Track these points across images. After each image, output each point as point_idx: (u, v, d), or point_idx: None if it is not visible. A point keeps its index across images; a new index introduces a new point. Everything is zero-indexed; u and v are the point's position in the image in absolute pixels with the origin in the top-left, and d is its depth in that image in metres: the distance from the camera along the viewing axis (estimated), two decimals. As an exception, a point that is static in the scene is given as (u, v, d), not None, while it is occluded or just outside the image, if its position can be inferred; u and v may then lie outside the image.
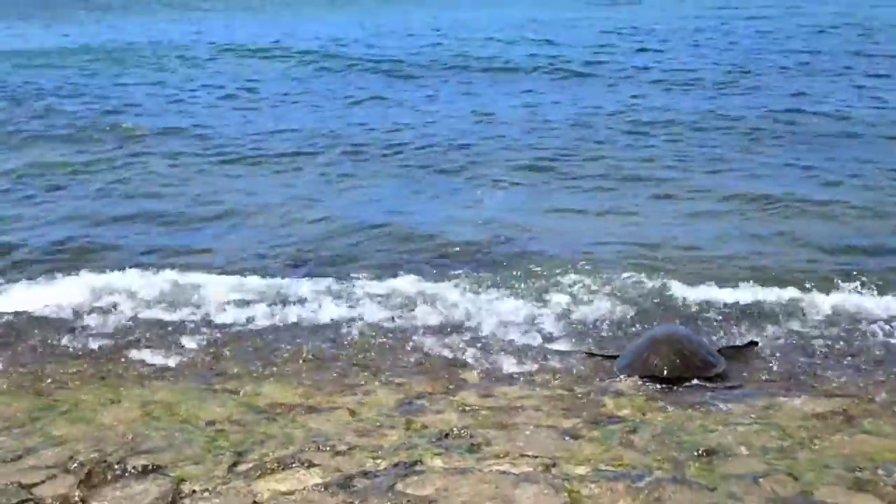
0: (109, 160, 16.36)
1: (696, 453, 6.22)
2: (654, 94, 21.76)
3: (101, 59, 30.02)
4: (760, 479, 5.85)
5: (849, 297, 9.39)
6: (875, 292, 9.49)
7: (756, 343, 8.19)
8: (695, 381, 7.44)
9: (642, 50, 29.47)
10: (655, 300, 9.53)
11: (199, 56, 30.56)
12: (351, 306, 9.56)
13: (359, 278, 10.27)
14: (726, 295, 9.58)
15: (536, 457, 6.20)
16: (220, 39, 34.95)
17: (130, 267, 10.88)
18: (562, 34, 33.72)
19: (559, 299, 9.50)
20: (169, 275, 10.63)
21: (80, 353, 8.62)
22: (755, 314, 9.15)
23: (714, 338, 8.51)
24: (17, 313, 9.69)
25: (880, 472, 5.87)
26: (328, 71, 26.39)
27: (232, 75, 26.24)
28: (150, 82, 25.71)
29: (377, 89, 23.35)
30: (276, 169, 15.40)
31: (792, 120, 18.29)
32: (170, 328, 9.21)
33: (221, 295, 10.03)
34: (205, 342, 8.86)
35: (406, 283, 10.09)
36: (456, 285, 9.93)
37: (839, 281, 9.85)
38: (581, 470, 5.99)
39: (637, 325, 8.86)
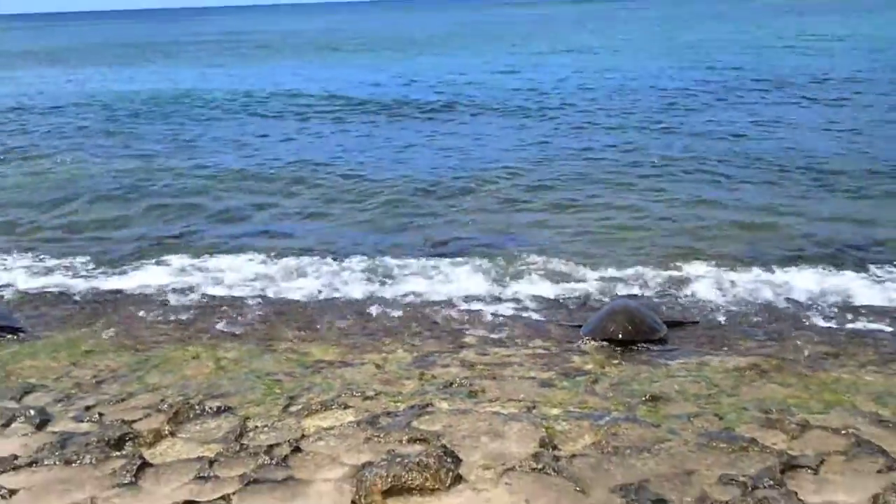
0: (178, 170, 16.39)
1: (643, 398, 6.23)
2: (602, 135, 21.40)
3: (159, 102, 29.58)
4: (693, 419, 5.86)
5: (762, 276, 9.39)
6: (782, 272, 9.50)
7: (697, 322, 8.19)
8: (643, 344, 7.47)
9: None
10: (611, 282, 9.52)
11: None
12: (378, 285, 9.57)
13: (382, 265, 10.27)
14: (667, 275, 9.58)
15: (520, 401, 6.22)
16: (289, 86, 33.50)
17: (204, 254, 10.89)
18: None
19: (537, 282, 9.50)
20: (233, 260, 10.65)
21: (169, 321, 8.63)
22: (690, 290, 9.16)
23: (664, 309, 8.53)
24: (120, 291, 9.73)
25: (785, 413, 5.90)
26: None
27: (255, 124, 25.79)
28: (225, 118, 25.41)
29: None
30: (314, 185, 15.26)
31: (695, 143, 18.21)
32: (236, 302, 9.22)
33: (274, 276, 10.07)
34: (262, 313, 8.86)
35: (419, 269, 10.08)
36: (458, 272, 9.93)
37: (754, 263, 9.84)
38: (555, 411, 6.01)
39: (597, 301, 8.87)
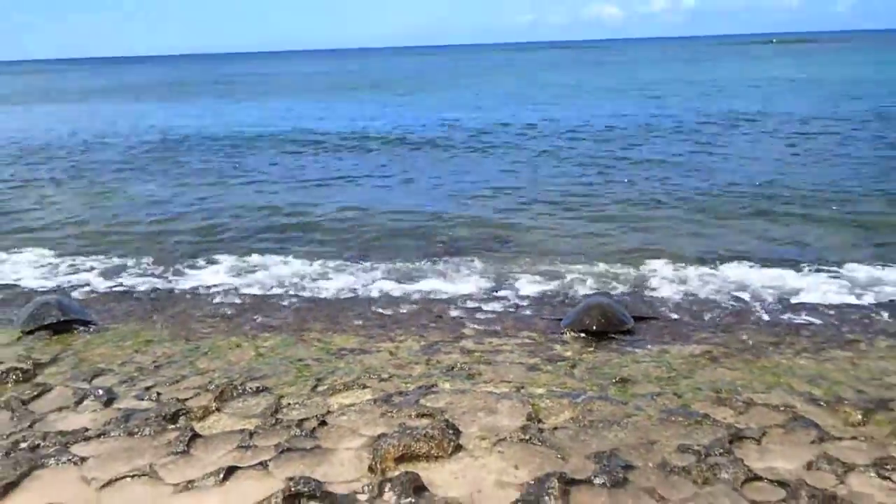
0: (224, 190, 16.44)
1: (614, 380, 6.23)
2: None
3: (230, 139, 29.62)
4: (655, 397, 5.86)
5: (713, 276, 9.37)
6: (730, 272, 9.50)
7: (657, 318, 8.17)
8: (613, 334, 7.45)
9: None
10: (587, 282, 9.52)
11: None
12: (391, 286, 9.54)
13: (395, 269, 10.26)
14: (633, 277, 9.56)
15: (511, 382, 6.22)
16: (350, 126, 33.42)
17: (245, 261, 10.89)
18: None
19: (524, 283, 9.48)
20: (270, 265, 10.65)
21: (215, 315, 8.61)
22: (652, 288, 9.15)
23: (631, 304, 8.51)
24: (174, 290, 9.72)
25: (733, 392, 5.89)
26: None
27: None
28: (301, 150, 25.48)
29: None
30: (335, 209, 15.28)
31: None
32: (272, 300, 9.20)
33: (303, 278, 10.06)
34: (294, 308, 8.84)
35: (426, 272, 10.08)
36: (458, 275, 9.92)
37: (705, 264, 9.83)
38: (540, 391, 6.01)
39: (575, 298, 8.85)
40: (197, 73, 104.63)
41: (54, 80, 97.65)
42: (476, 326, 8.03)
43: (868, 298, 8.60)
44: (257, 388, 6.20)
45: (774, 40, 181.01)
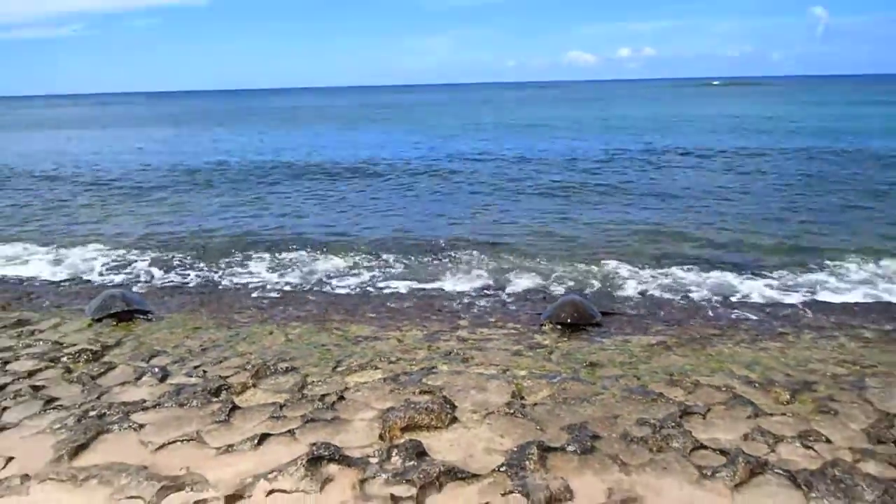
0: (285, 195, 16.47)
1: (584, 364, 6.23)
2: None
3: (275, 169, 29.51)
4: (619, 379, 5.85)
5: (667, 278, 9.39)
6: (682, 274, 9.53)
7: (621, 313, 8.17)
8: (585, 326, 7.45)
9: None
10: (562, 282, 9.54)
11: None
12: (399, 283, 9.57)
13: (402, 270, 10.30)
14: (601, 278, 9.59)
15: (498, 365, 6.20)
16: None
17: (277, 262, 10.92)
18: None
19: (510, 283, 9.52)
20: (298, 256, 10.71)
21: (253, 307, 8.61)
22: (617, 288, 9.17)
23: (601, 301, 8.53)
24: (220, 285, 9.77)
25: (683, 375, 5.88)
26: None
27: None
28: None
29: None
30: (354, 225, 15.29)
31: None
32: (299, 294, 9.22)
33: (327, 272, 10.09)
34: (318, 302, 8.86)
35: (428, 274, 10.12)
36: (456, 276, 9.96)
37: (661, 267, 9.86)
38: (523, 373, 6.00)
39: (552, 296, 8.86)
40: (221, 105, 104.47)
41: (115, 109, 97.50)
42: (470, 319, 8.03)
43: (795, 298, 8.64)
44: (287, 368, 6.20)
45: (716, 83, 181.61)
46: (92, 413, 5.26)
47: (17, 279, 10.35)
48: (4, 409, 5.38)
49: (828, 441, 4.68)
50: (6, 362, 6.44)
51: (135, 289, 9.54)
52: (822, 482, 4.13)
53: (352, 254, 11.36)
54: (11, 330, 7.50)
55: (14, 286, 9.91)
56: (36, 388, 5.79)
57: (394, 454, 4.51)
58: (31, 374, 6.15)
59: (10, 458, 4.60)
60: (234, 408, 5.34)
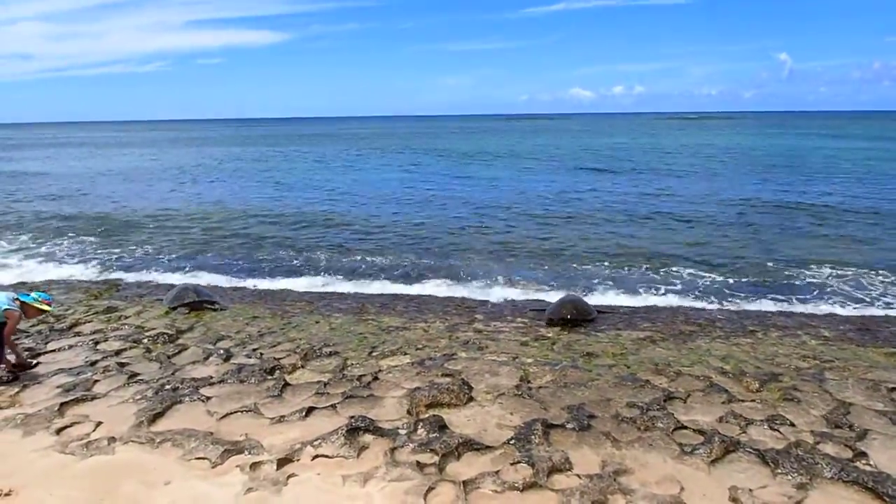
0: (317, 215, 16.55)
1: (582, 354, 6.17)
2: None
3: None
4: (612, 367, 5.79)
5: (651, 282, 9.30)
6: (662, 279, 9.42)
7: (614, 312, 8.01)
8: (583, 322, 7.39)
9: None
10: (563, 286, 9.47)
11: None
12: (426, 286, 9.58)
13: (429, 275, 10.29)
14: (596, 282, 9.51)
15: (508, 353, 6.17)
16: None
17: (322, 268, 10.96)
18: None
19: (519, 285, 9.48)
20: (338, 271, 10.72)
21: (301, 301, 8.65)
22: (609, 291, 9.08)
23: (597, 301, 8.46)
24: (273, 287, 9.84)
25: (667, 365, 5.81)
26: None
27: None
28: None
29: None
30: (386, 234, 15.28)
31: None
32: (340, 292, 9.27)
33: (362, 277, 10.10)
34: (356, 297, 8.88)
35: (448, 278, 10.11)
36: (472, 281, 9.94)
37: (645, 272, 9.77)
38: (529, 360, 5.95)
39: (555, 295, 8.79)
40: (278, 131, 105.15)
41: (199, 132, 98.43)
42: (484, 314, 8.00)
43: (763, 303, 8.50)
44: (330, 352, 6.21)
45: (693, 116, 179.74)
46: (167, 387, 5.30)
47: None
48: (95, 381, 5.44)
49: (792, 425, 4.59)
50: (97, 342, 6.52)
51: (203, 284, 9.60)
52: (786, 460, 4.05)
53: (382, 264, 11.25)
54: (102, 315, 7.60)
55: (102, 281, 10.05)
56: (121, 365, 5.86)
57: (419, 427, 4.49)
58: (117, 352, 6.23)
59: (99, 423, 4.65)
60: (286, 385, 5.36)
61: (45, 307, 5.54)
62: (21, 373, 5.54)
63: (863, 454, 4.15)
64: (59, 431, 4.52)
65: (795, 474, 3.92)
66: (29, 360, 5.81)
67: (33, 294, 5.58)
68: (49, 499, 3.67)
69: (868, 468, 3.98)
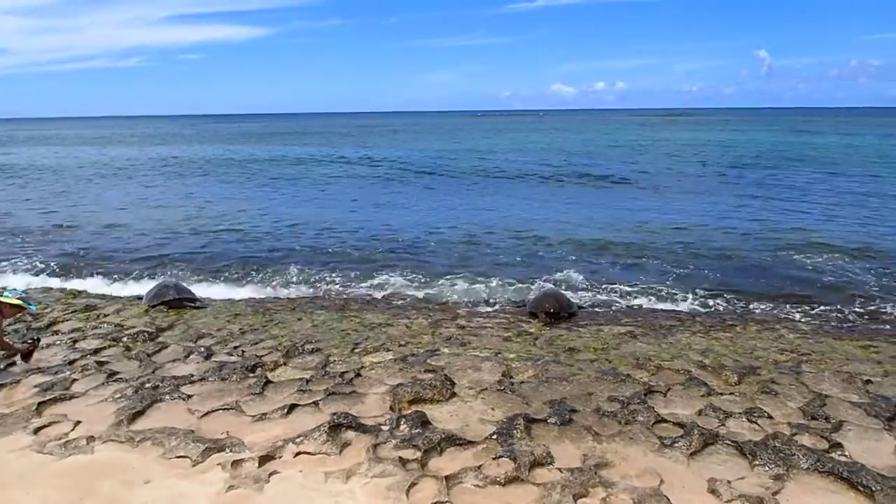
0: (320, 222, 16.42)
1: (564, 349, 6.19)
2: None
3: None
4: (594, 362, 5.82)
5: (630, 280, 9.37)
6: (651, 274, 9.50)
7: (595, 307, 8.09)
8: (564, 316, 7.44)
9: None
10: (543, 278, 9.51)
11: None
12: (410, 286, 9.56)
13: (413, 278, 10.28)
14: (576, 277, 9.56)
15: (491, 349, 6.17)
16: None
17: (309, 272, 10.89)
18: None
19: (500, 280, 9.50)
20: (325, 273, 10.64)
21: (285, 298, 8.63)
22: (587, 287, 9.14)
23: (579, 296, 8.51)
24: (255, 278, 9.77)
25: (647, 360, 5.84)
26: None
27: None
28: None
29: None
30: (379, 238, 15.19)
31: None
32: (322, 291, 9.23)
33: (347, 276, 10.05)
34: (340, 296, 8.85)
35: (433, 276, 10.11)
36: (453, 274, 9.96)
37: (632, 267, 9.86)
38: (512, 355, 5.96)
39: (536, 289, 8.82)
40: (279, 127, 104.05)
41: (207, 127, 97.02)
42: (467, 309, 8.01)
43: (740, 297, 8.59)
44: (312, 349, 6.17)
45: (677, 113, 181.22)
46: (147, 385, 5.24)
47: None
48: (74, 380, 5.37)
49: (769, 417, 4.65)
50: (76, 341, 6.43)
51: (184, 281, 9.49)
52: (764, 451, 4.10)
53: (371, 262, 11.13)
54: (80, 314, 7.49)
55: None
56: (100, 364, 5.78)
57: (402, 423, 4.48)
58: (96, 351, 6.14)
59: (78, 422, 4.58)
60: (268, 382, 5.32)
61: (17, 302, 5.42)
62: (34, 350, 5.77)
63: (838, 445, 4.22)
64: (36, 431, 4.45)
65: (773, 465, 3.98)
66: (27, 341, 5.88)
67: (6, 292, 5.49)
68: (26, 498, 3.62)
69: (843, 459, 4.05)
